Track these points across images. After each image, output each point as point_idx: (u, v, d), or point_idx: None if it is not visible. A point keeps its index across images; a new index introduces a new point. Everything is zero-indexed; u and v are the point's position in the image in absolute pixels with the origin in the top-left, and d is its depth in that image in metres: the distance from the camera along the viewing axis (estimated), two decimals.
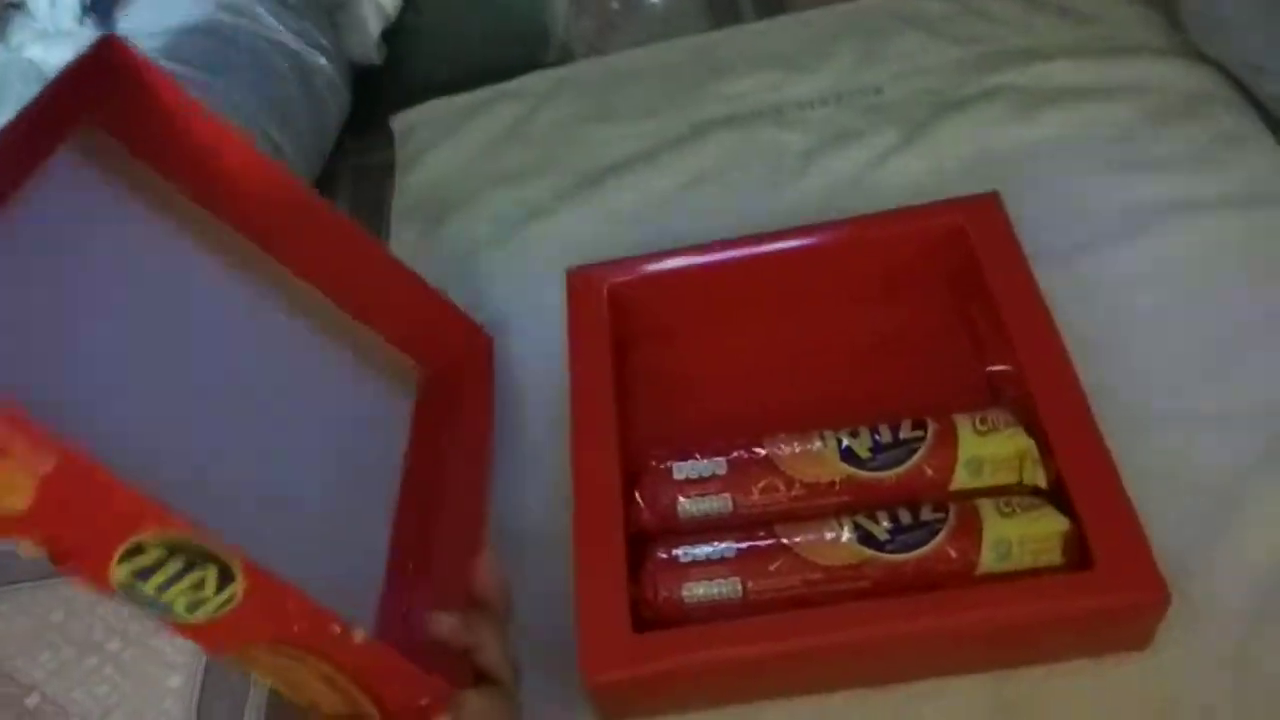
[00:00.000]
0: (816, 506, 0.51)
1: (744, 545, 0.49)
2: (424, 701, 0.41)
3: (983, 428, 0.50)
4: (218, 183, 0.51)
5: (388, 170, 0.80)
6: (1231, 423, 0.54)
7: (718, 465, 0.52)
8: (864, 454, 0.51)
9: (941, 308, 0.60)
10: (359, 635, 0.39)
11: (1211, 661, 0.47)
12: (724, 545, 0.49)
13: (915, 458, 0.50)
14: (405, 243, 0.75)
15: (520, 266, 0.71)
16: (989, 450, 0.50)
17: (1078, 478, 0.48)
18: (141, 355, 0.46)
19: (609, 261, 0.62)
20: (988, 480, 0.50)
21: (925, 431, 0.51)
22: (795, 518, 0.50)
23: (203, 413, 0.47)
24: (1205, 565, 0.50)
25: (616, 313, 0.60)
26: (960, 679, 0.49)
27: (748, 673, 0.48)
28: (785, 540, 0.49)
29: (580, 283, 0.61)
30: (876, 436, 0.51)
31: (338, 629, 0.39)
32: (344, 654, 0.39)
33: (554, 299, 0.61)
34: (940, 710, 0.48)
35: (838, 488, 0.51)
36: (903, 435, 0.51)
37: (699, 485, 0.52)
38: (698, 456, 0.52)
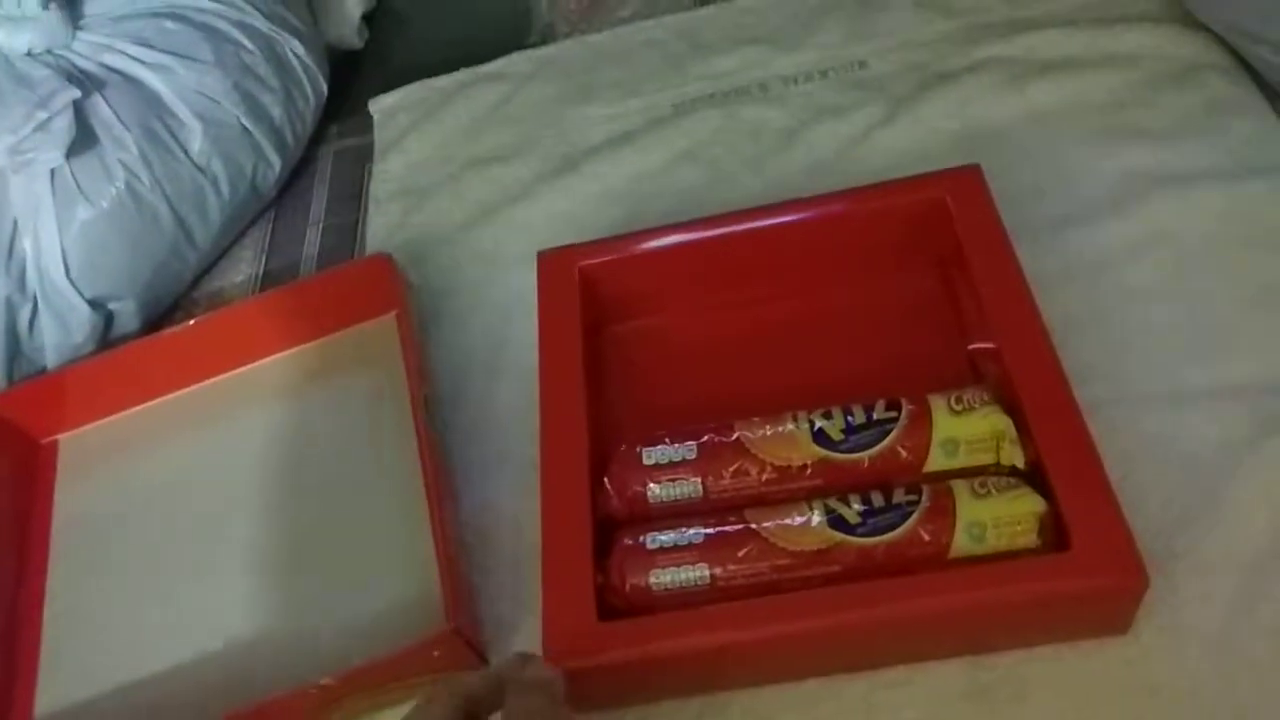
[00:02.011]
0: (788, 490, 0.49)
1: (712, 531, 0.48)
2: None
3: (958, 407, 0.49)
4: None
5: (367, 154, 0.79)
6: (1220, 402, 0.52)
7: (688, 450, 0.50)
8: (836, 436, 0.49)
9: (924, 284, 0.59)
10: None
11: (1195, 645, 0.46)
12: (692, 531, 0.48)
13: (889, 439, 0.49)
14: (383, 226, 0.73)
15: (499, 249, 0.70)
16: (964, 430, 0.49)
17: (1055, 458, 0.46)
18: None
19: (580, 243, 0.60)
20: (964, 461, 0.48)
21: (899, 412, 0.49)
22: (766, 502, 0.49)
23: None
24: (1189, 547, 0.48)
25: (588, 295, 0.58)
26: (933, 664, 0.47)
27: (715, 661, 0.46)
28: (754, 525, 0.47)
29: (551, 264, 0.59)
30: (849, 418, 0.50)
31: None
32: None
33: (532, 281, 0.59)
34: (912, 696, 0.47)
35: (810, 471, 0.49)
36: (876, 416, 0.49)
37: (669, 470, 0.50)
38: (668, 441, 0.51)
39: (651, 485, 0.50)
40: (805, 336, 0.58)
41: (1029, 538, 0.45)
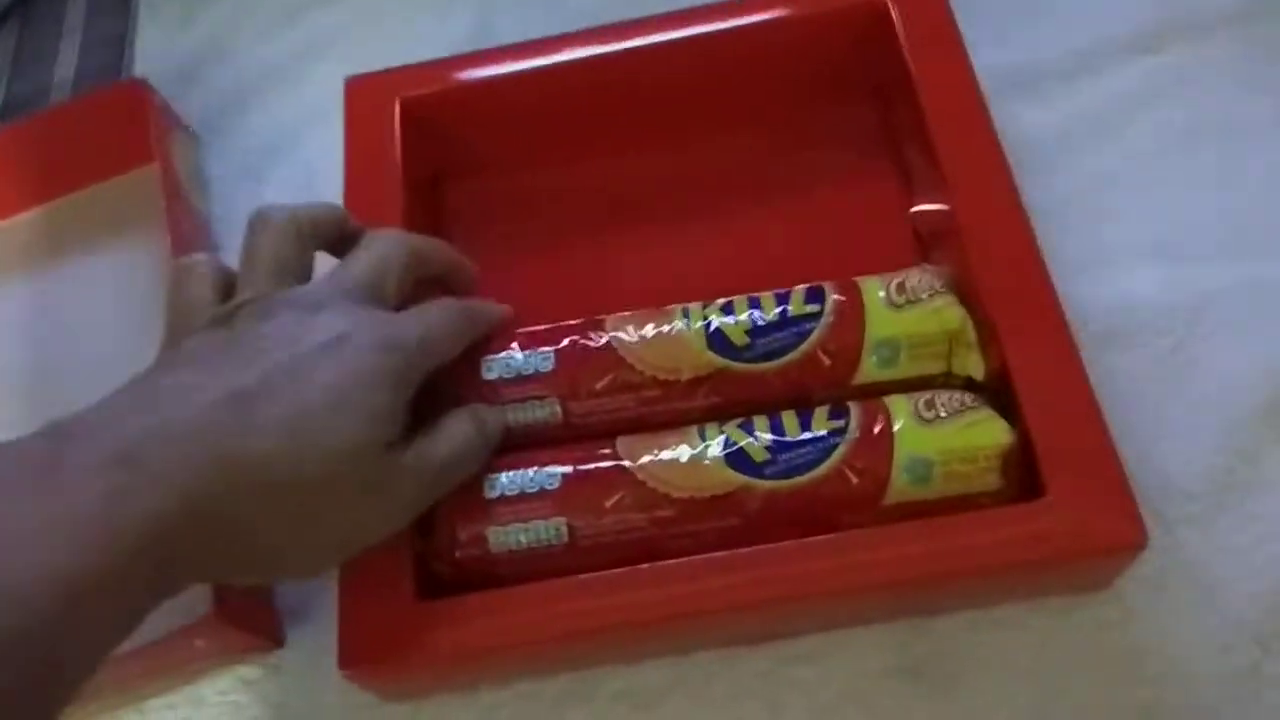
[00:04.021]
0: (675, 412, 0.37)
1: (571, 470, 0.35)
2: None
3: (899, 298, 0.37)
4: None
5: None
6: (1245, 311, 0.41)
7: (543, 359, 0.37)
8: (739, 339, 0.37)
9: (858, 127, 0.45)
10: None
11: (1192, 603, 0.36)
12: (545, 472, 0.35)
13: (807, 342, 0.36)
14: (157, 40, 0.56)
15: (305, 71, 0.53)
16: (907, 328, 0.36)
17: (1027, 369, 0.35)
18: None
19: (402, 66, 0.45)
20: (905, 371, 0.36)
21: (822, 305, 0.37)
22: (645, 427, 0.37)
23: None
24: (1187, 485, 0.38)
25: (415, 139, 0.43)
26: (855, 631, 0.37)
27: (575, 642, 0.35)
28: (628, 463, 0.35)
29: (362, 96, 0.44)
30: (756, 313, 0.37)
31: None
32: None
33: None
34: (828, 673, 0.37)
35: (704, 388, 0.37)
36: (792, 311, 0.37)
37: (518, 386, 0.37)
38: (514, 347, 0.38)
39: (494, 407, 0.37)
40: (700, 199, 0.45)
41: (989, 478, 0.34)
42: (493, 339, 0.38)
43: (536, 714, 0.37)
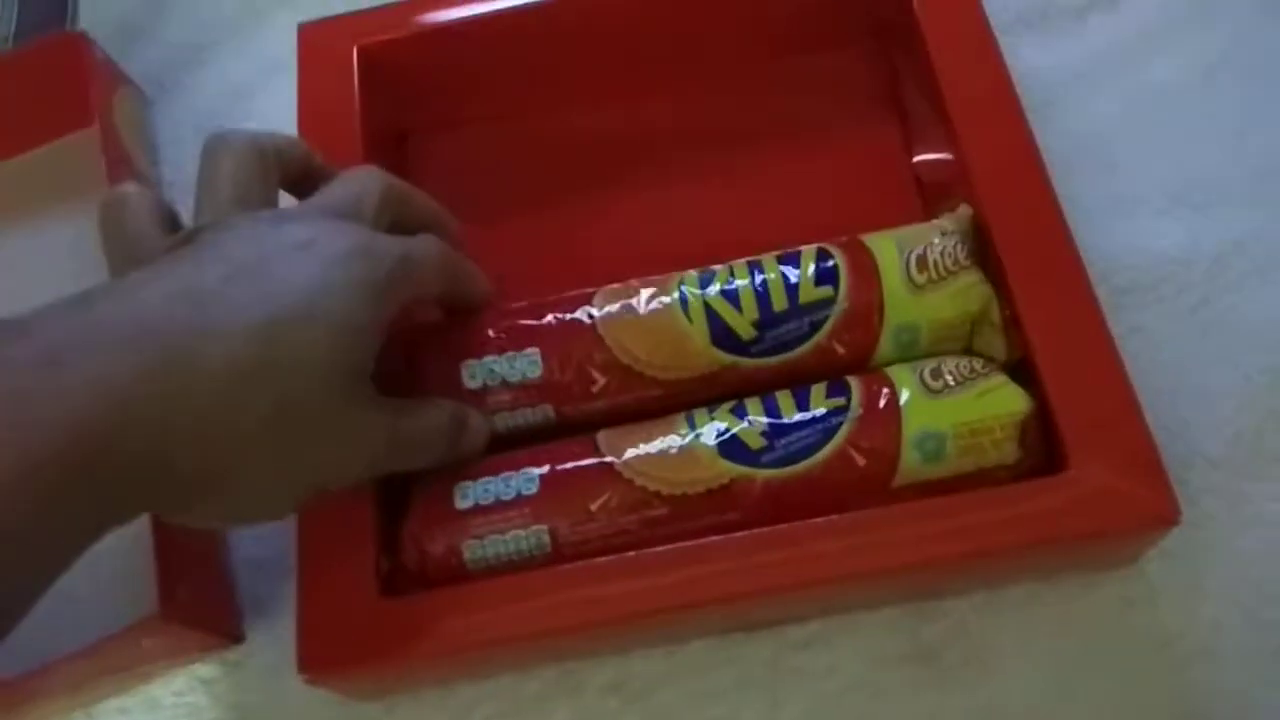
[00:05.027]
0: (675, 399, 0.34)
1: (549, 471, 0.32)
2: None
3: (921, 277, 0.33)
4: None
5: None
6: (1272, 260, 0.38)
7: (529, 362, 0.33)
8: (746, 333, 0.33)
9: (855, 73, 0.42)
10: None
11: (1219, 578, 0.34)
12: (521, 475, 0.32)
13: (821, 332, 0.33)
14: None
15: (261, 12, 0.50)
16: (929, 313, 0.33)
17: (1045, 329, 0.32)
18: None
19: (360, 10, 0.41)
20: (925, 353, 0.33)
21: (836, 288, 0.33)
22: (624, 416, 0.33)
23: None
24: (1213, 451, 0.35)
25: (376, 89, 0.40)
26: (861, 615, 0.34)
27: (549, 643, 0.32)
28: (612, 460, 0.32)
29: (316, 43, 0.41)
30: (764, 301, 0.33)
31: None
32: None
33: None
34: (834, 660, 0.34)
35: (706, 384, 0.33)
36: (802, 299, 0.33)
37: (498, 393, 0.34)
38: (491, 334, 0.34)
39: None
40: (688, 152, 0.41)
41: (1006, 450, 0.31)
42: (471, 325, 0.35)
43: (519, 711, 0.35)
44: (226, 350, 0.25)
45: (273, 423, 0.27)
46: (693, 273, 0.34)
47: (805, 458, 0.31)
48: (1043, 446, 0.31)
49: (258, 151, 0.31)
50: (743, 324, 0.33)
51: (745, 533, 0.30)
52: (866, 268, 0.33)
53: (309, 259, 0.28)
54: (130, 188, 0.31)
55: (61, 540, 0.25)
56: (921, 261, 0.33)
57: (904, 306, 0.33)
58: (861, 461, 0.31)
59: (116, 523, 0.26)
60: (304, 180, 0.33)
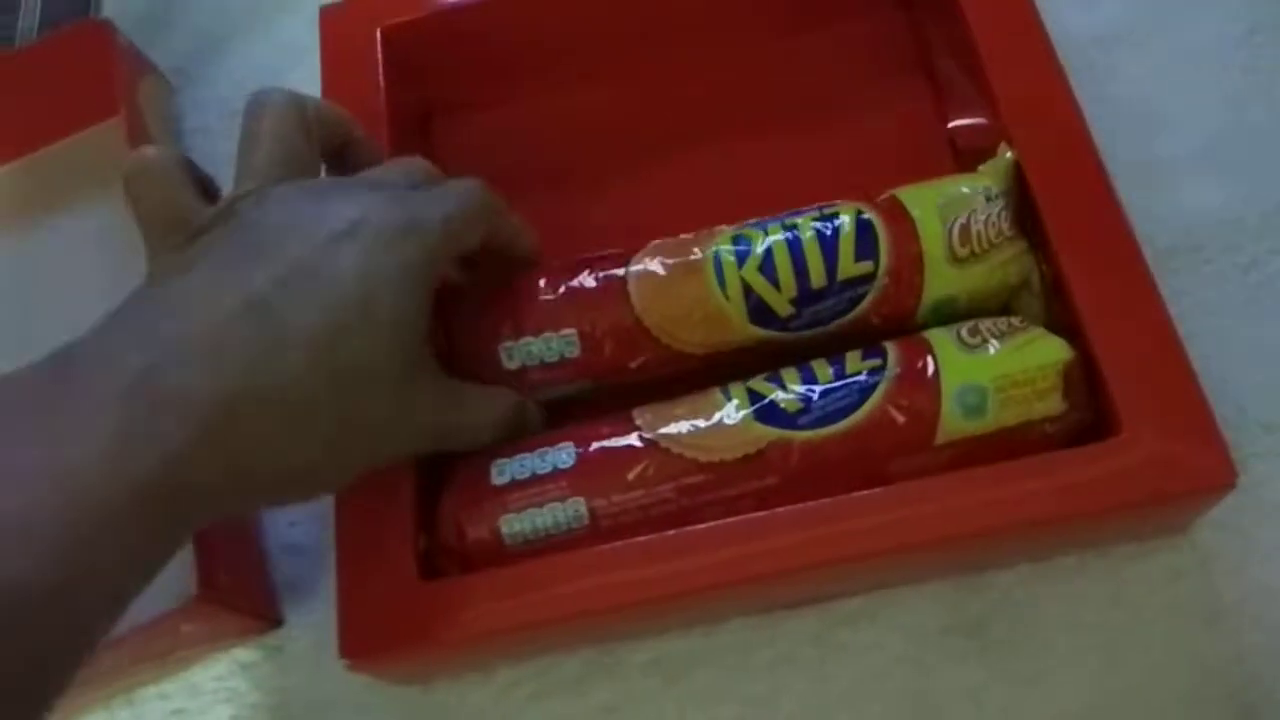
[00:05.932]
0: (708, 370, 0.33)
1: (585, 446, 0.32)
2: None
3: (964, 249, 0.32)
4: None
5: None
6: None
7: (566, 343, 0.33)
8: (783, 309, 0.33)
9: (884, 36, 0.41)
10: None
11: (1273, 547, 0.33)
12: (557, 450, 0.32)
13: (861, 306, 0.33)
14: None
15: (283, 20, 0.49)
16: (972, 283, 0.32)
17: (1093, 290, 0.31)
18: None
19: None
20: (960, 317, 0.33)
21: (876, 263, 0.32)
22: (662, 383, 0.33)
23: None
24: (1264, 416, 0.34)
25: (401, 72, 0.40)
26: (905, 589, 0.34)
27: (587, 624, 0.32)
28: (647, 433, 0.31)
29: (339, 25, 0.40)
30: (802, 279, 0.32)
31: None
32: None
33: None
34: (879, 634, 0.34)
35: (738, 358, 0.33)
36: (841, 275, 0.32)
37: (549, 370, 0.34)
38: (527, 313, 0.33)
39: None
40: (716, 123, 0.41)
41: (1051, 400, 0.30)
42: (505, 303, 0.34)
43: (558, 691, 0.34)
44: (297, 364, 0.26)
45: (339, 424, 0.27)
46: (727, 237, 0.33)
47: (843, 418, 0.30)
48: (1089, 400, 0.30)
49: (298, 108, 0.31)
50: (780, 301, 0.32)
51: (786, 508, 0.30)
52: (906, 234, 0.32)
53: (356, 249, 0.28)
54: (148, 151, 0.31)
55: (141, 565, 0.25)
56: (965, 233, 0.32)
57: (945, 279, 0.32)
58: (901, 419, 0.30)
59: (186, 538, 0.27)
60: (344, 149, 0.33)
